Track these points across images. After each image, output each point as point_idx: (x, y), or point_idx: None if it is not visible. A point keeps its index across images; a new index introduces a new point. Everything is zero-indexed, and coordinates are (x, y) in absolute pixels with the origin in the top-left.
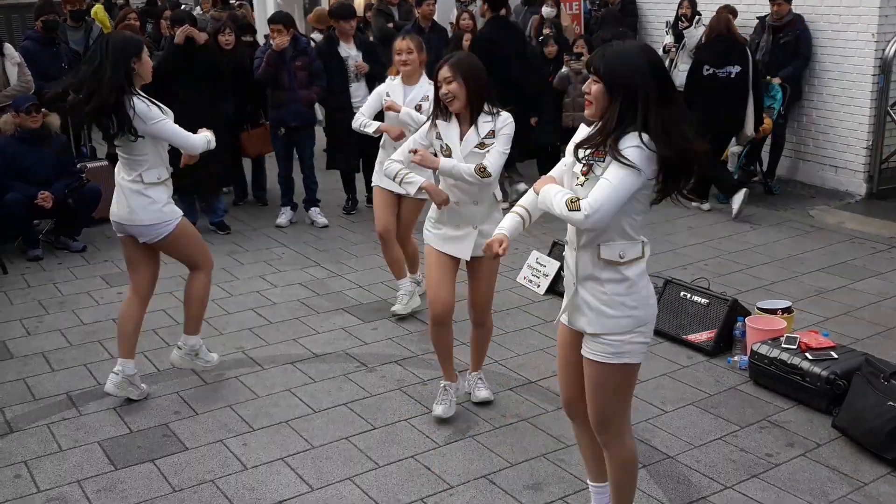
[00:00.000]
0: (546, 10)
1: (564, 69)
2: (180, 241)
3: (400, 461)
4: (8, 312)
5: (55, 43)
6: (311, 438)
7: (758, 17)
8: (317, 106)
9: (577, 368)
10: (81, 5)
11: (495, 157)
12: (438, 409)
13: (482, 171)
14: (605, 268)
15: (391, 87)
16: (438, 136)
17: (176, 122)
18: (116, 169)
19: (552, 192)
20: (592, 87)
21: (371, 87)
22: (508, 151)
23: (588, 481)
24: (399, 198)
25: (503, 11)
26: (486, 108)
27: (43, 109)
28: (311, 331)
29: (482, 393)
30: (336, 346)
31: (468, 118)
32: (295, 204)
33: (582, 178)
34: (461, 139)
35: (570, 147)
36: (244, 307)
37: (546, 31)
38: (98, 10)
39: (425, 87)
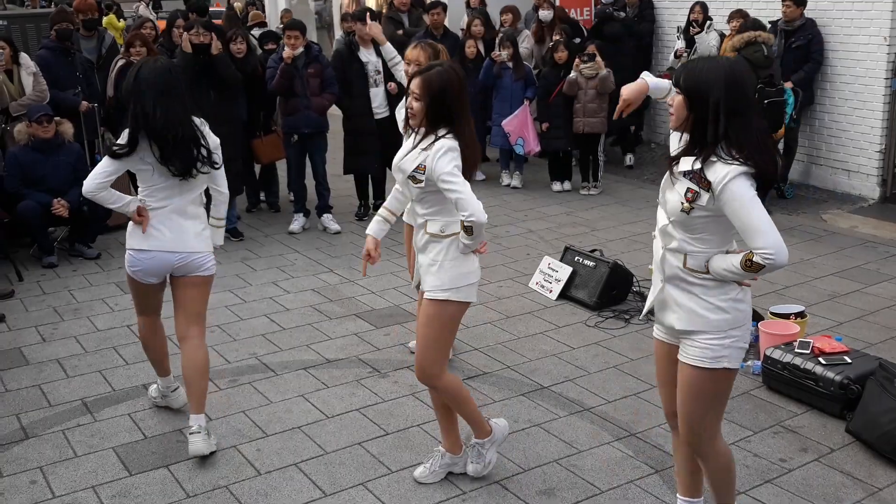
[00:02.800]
0: (543, 14)
1: (573, 73)
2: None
3: (413, 467)
4: (23, 319)
5: (70, 52)
6: (325, 444)
7: (770, 22)
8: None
9: (675, 384)
10: (94, 15)
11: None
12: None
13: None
14: (691, 274)
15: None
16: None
17: None
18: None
19: (720, 263)
20: (675, 99)
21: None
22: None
23: (678, 495)
24: None
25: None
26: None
27: (56, 118)
28: (323, 336)
29: (469, 467)
30: (349, 351)
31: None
32: (308, 210)
33: (688, 206)
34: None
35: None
36: (257, 313)
37: (557, 36)
38: (111, 19)
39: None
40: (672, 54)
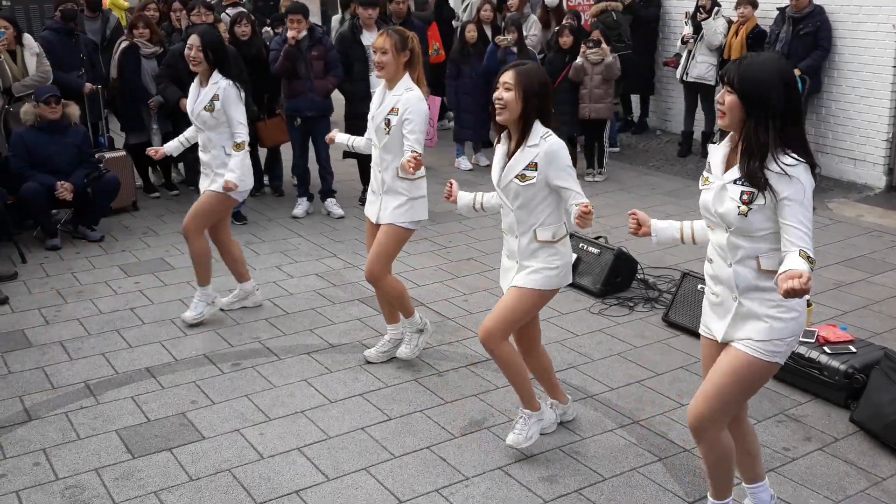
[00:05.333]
0: (549, 0)
1: (580, 59)
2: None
3: (415, 452)
4: (27, 302)
5: (74, 34)
6: (327, 429)
7: (778, 8)
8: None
9: None
10: None
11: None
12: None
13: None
14: (768, 278)
15: (378, 91)
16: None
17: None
18: None
19: (795, 268)
20: (726, 98)
21: None
22: None
23: (743, 484)
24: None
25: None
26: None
27: (63, 100)
28: (327, 321)
29: (510, 437)
30: (352, 336)
31: (517, 138)
32: (311, 195)
33: (745, 209)
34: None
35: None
36: (261, 297)
37: (567, 20)
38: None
39: (401, 96)
40: (679, 40)
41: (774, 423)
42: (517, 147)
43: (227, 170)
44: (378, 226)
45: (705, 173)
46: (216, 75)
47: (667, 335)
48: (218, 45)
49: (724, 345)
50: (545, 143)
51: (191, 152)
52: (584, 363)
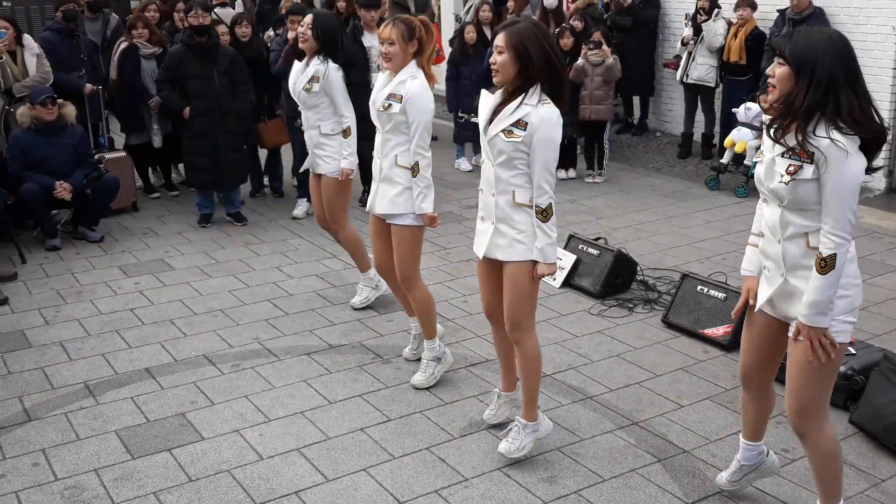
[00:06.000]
0: (548, 2)
1: (580, 61)
2: None
3: (415, 453)
4: (27, 302)
5: (74, 34)
6: (327, 429)
7: (778, 10)
8: None
9: (766, 348)
10: None
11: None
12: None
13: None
14: (814, 256)
15: (381, 78)
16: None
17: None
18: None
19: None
20: (777, 71)
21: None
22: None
23: (742, 438)
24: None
25: None
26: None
27: (59, 100)
28: (326, 322)
29: (502, 445)
30: (351, 337)
31: (513, 93)
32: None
33: (788, 178)
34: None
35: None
36: (261, 298)
37: (575, 22)
38: None
39: (405, 83)
40: (679, 42)
41: (774, 425)
42: (511, 99)
43: (342, 157)
44: (379, 218)
45: (761, 145)
46: (319, 57)
47: (666, 336)
48: (329, 29)
49: (778, 322)
50: (543, 107)
51: (190, 154)
52: (583, 364)
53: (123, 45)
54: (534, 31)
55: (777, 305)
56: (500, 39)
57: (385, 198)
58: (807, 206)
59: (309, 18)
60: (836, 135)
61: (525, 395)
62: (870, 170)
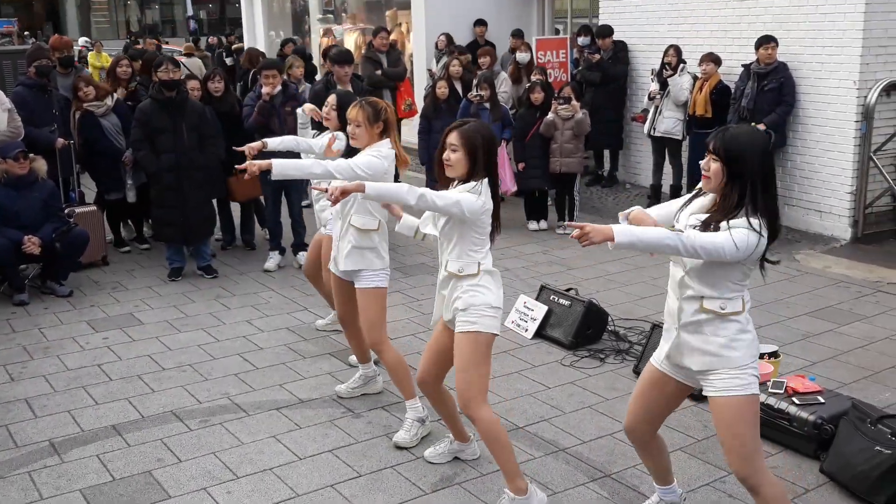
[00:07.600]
0: (520, 56)
1: (551, 115)
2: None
3: None
4: None
5: (47, 89)
6: (296, 486)
7: (743, 65)
8: None
9: (650, 402)
10: (70, 52)
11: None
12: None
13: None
14: (707, 315)
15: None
16: None
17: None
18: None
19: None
20: (711, 165)
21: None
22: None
23: (655, 485)
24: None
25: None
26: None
27: (31, 155)
28: (297, 376)
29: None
30: (322, 391)
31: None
32: (283, 248)
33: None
34: None
35: (681, 210)
36: (230, 352)
37: (535, 76)
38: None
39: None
40: (646, 96)
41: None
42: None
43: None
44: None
45: (674, 222)
46: (342, 134)
47: None
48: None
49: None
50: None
51: (158, 207)
52: (555, 416)
53: (78, 115)
54: (482, 129)
55: (672, 357)
56: (454, 138)
57: (341, 253)
58: (705, 274)
59: (333, 99)
60: (753, 222)
61: (500, 466)
62: (766, 261)
